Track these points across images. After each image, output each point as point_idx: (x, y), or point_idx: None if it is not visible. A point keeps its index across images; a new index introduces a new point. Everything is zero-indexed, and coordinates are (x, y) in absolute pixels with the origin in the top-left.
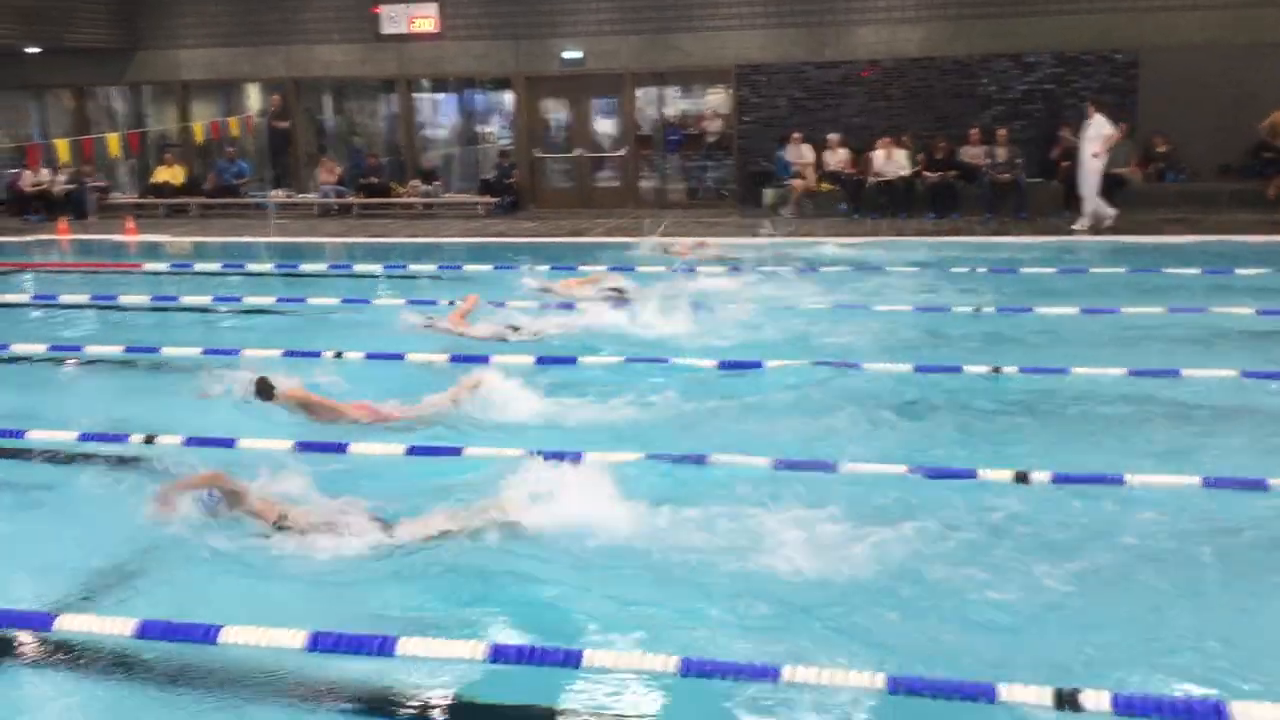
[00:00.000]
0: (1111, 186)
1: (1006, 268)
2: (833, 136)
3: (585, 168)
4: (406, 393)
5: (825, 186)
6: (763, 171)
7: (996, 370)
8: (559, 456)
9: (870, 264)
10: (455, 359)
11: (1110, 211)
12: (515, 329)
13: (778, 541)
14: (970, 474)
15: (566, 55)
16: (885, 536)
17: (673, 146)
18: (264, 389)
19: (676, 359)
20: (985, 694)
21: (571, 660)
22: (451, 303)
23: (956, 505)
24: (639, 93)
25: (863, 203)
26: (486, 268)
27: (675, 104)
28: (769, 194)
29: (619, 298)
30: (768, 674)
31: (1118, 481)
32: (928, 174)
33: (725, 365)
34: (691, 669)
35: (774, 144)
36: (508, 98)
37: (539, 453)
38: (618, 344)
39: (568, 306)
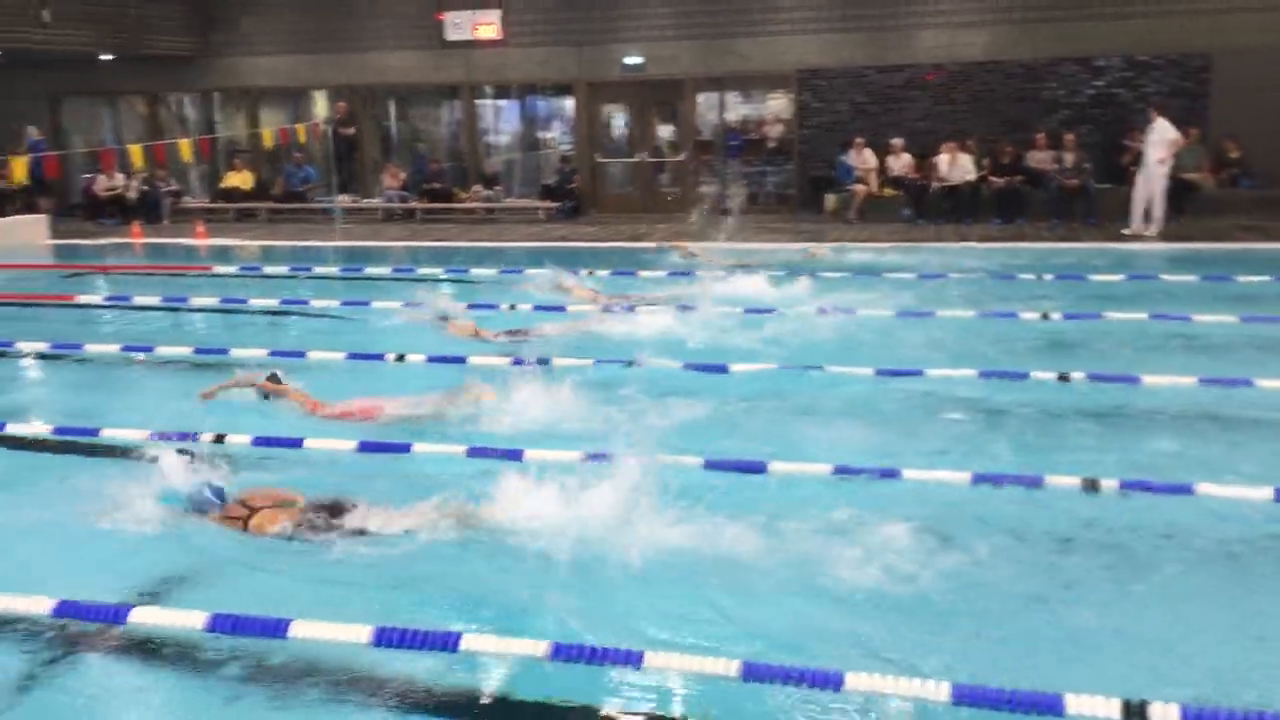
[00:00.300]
0: (1181, 193)
1: (1074, 274)
2: (896, 141)
3: (646, 173)
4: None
5: (888, 192)
6: (824, 177)
7: (1064, 377)
8: (623, 459)
9: (933, 269)
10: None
11: (1152, 222)
12: (514, 332)
13: (839, 548)
14: (1037, 481)
15: (627, 61)
16: (949, 544)
17: (733, 152)
18: (274, 380)
19: (735, 365)
20: (1052, 705)
21: (633, 661)
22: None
23: (1022, 513)
24: (699, 98)
25: (926, 208)
26: (546, 272)
27: (735, 109)
28: (830, 199)
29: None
30: (830, 680)
31: (1187, 491)
32: (993, 179)
33: (783, 369)
34: (753, 673)
35: (835, 149)
36: (568, 103)
37: (594, 455)
38: (674, 350)
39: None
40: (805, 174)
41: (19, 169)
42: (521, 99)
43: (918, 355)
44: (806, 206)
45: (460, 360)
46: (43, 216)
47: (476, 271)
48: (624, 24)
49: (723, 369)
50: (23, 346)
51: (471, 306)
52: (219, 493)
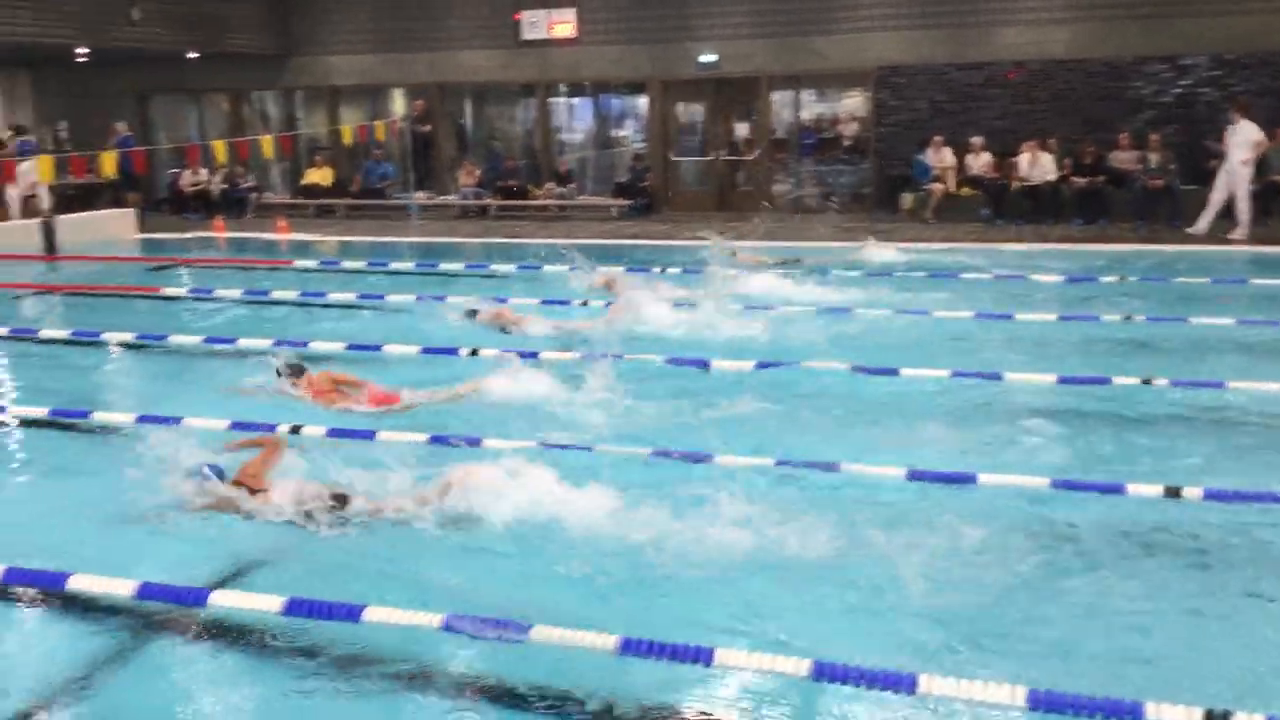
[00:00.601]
0: (1270, 195)
1: (1158, 276)
2: (975, 140)
3: (718, 171)
4: None
5: (966, 191)
6: (900, 175)
7: (1147, 382)
8: (694, 459)
9: (1013, 270)
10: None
11: (1239, 224)
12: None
13: (915, 551)
14: (1119, 489)
15: (702, 59)
16: (1028, 550)
17: (807, 150)
18: (295, 370)
19: (807, 363)
20: (1132, 713)
21: (703, 658)
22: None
23: (1102, 520)
24: (774, 95)
25: (1005, 208)
26: (617, 269)
27: (810, 107)
28: (907, 198)
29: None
30: (903, 683)
31: (1275, 500)
32: (1074, 179)
33: (858, 370)
34: (824, 673)
35: (913, 147)
36: (642, 101)
37: (674, 453)
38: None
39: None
40: (881, 173)
41: (109, 164)
42: (595, 97)
43: (996, 358)
44: (882, 205)
45: (533, 355)
46: (131, 211)
47: (548, 268)
48: (699, 22)
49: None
50: (110, 337)
51: (545, 302)
52: (217, 470)
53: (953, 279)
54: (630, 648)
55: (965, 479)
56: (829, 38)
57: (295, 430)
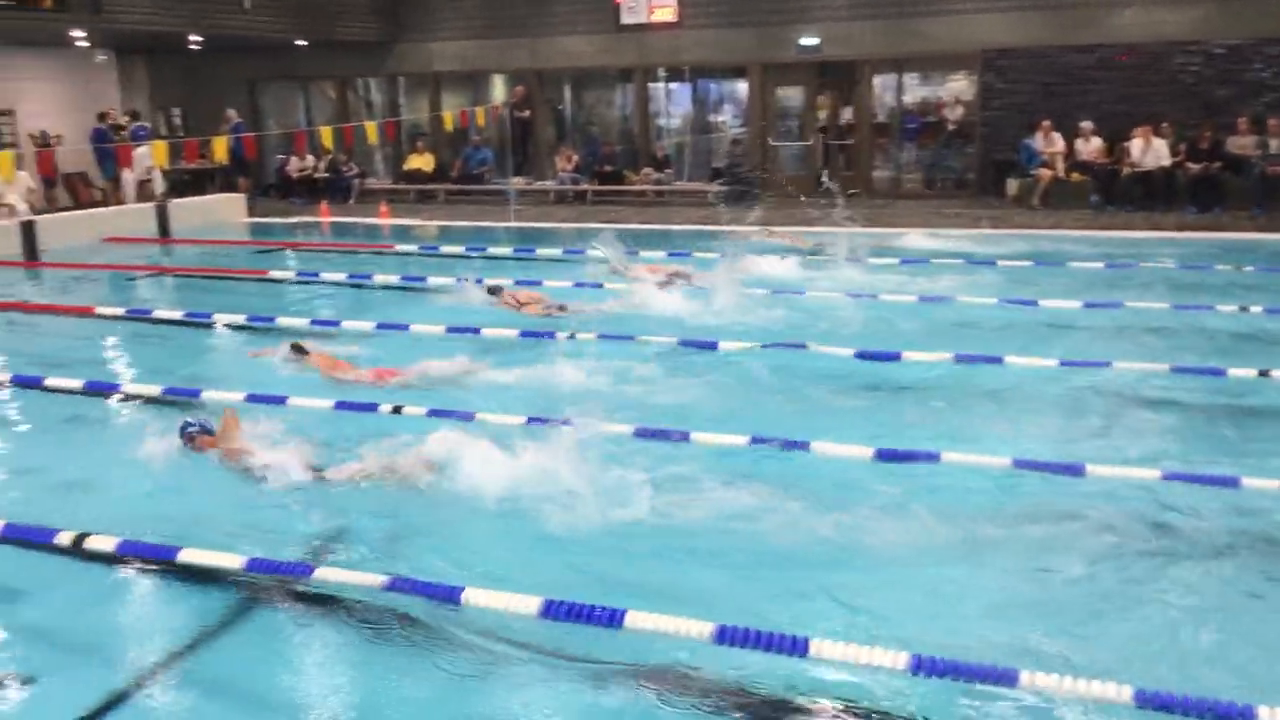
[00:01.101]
0: None
1: (1277, 266)
2: (1085, 124)
3: (818, 155)
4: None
5: (1075, 177)
6: (1007, 161)
7: (1265, 374)
8: (794, 445)
9: (1123, 259)
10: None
11: None
12: (562, 308)
13: (1017, 542)
14: (1233, 482)
15: (803, 42)
16: (1141, 545)
17: (910, 135)
18: (298, 350)
19: (908, 353)
20: (1245, 716)
21: (799, 648)
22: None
23: (1216, 514)
24: (876, 79)
25: (1116, 194)
26: (713, 256)
27: (913, 90)
28: (1013, 184)
29: (682, 284)
30: (1005, 677)
31: None
32: (1189, 165)
33: (961, 359)
34: (923, 667)
35: (1020, 132)
36: (740, 85)
37: (776, 442)
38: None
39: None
40: (987, 158)
41: (221, 149)
42: (694, 81)
43: (1106, 348)
44: (987, 191)
45: (629, 338)
46: (240, 195)
47: (645, 253)
48: (800, 4)
49: (895, 357)
50: (220, 318)
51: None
52: (204, 425)
53: (1060, 267)
54: (725, 636)
55: (1074, 469)
56: (934, 19)
57: (397, 410)
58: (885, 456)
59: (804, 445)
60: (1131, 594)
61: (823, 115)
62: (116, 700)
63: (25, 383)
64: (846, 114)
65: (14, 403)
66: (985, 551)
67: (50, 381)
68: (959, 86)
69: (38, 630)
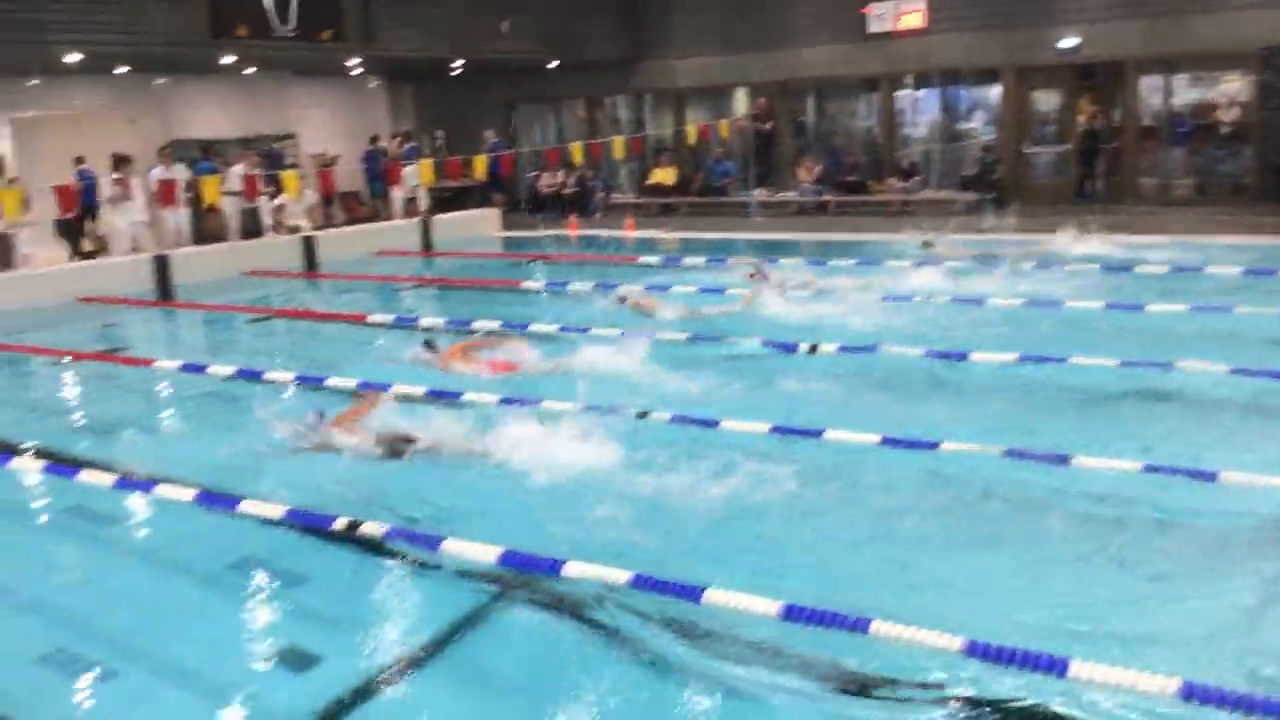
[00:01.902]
0: None
1: None
2: None
3: (1076, 162)
4: None
5: None
6: None
7: None
8: (914, 445)
9: None
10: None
11: None
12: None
13: (1142, 546)
14: None
15: (1061, 44)
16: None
17: (1178, 139)
18: (430, 345)
19: (1074, 357)
20: None
21: (860, 627)
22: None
23: None
24: (1140, 81)
25: None
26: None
27: (1183, 92)
28: None
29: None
30: (1056, 666)
31: None
32: None
33: (1126, 365)
34: (975, 651)
35: None
36: (991, 91)
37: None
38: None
39: None
40: (1266, 162)
41: (480, 167)
42: (941, 88)
43: None
44: (1268, 197)
45: (872, 349)
46: (495, 211)
47: (890, 263)
48: (1059, 4)
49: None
50: (478, 325)
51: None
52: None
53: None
54: (792, 614)
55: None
56: (1207, 16)
57: (643, 415)
58: (1012, 455)
59: (933, 446)
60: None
61: (1082, 120)
62: (376, 683)
63: (308, 380)
64: (1110, 118)
65: (298, 401)
66: (1106, 549)
67: (330, 381)
68: (1233, 87)
69: (309, 610)
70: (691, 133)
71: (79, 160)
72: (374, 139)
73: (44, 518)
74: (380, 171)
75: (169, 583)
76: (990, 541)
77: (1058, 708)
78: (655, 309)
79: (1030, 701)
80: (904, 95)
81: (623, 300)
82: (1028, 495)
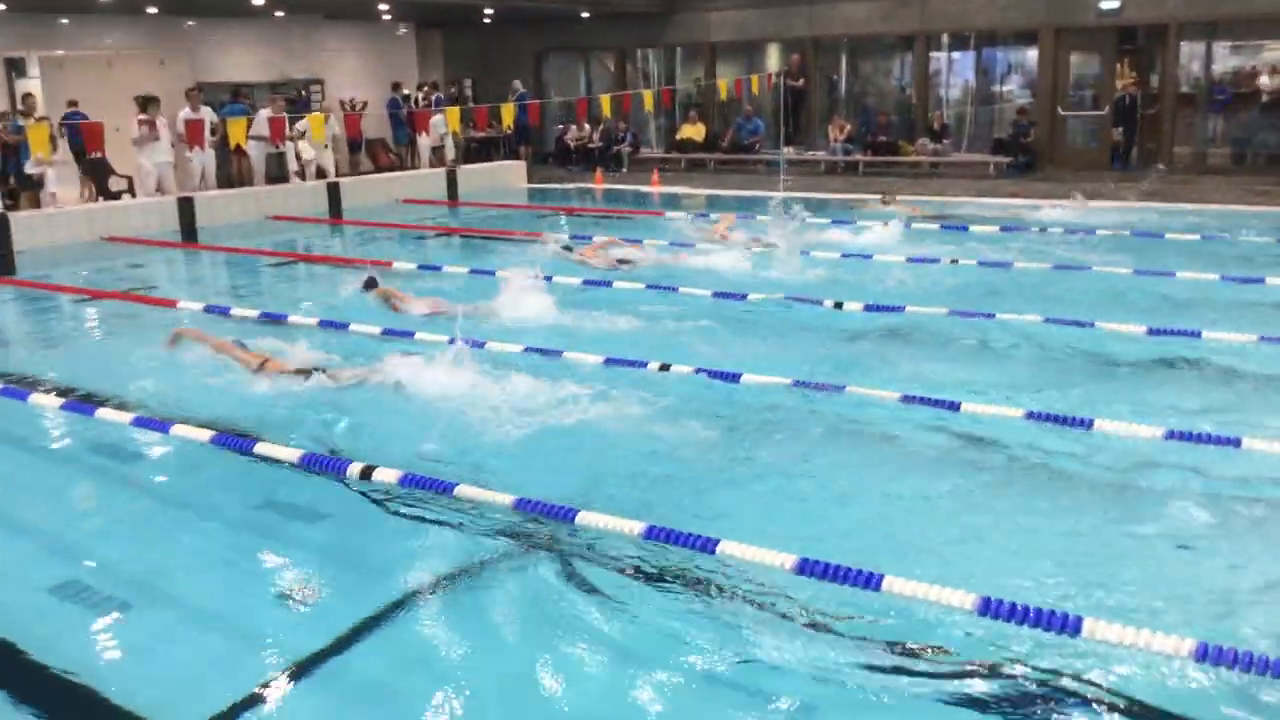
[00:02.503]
0: None
1: None
2: None
3: (1113, 127)
4: None
5: None
6: None
7: None
8: (944, 405)
9: None
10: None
11: None
12: (627, 262)
13: (1161, 510)
14: None
15: (1103, 5)
16: None
17: (1218, 106)
18: (370, 283)
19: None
20: None
21: (873, 583)
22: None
23: None
24: (1182, 45)
25: None
26: (992, 229)
27: (1224, 59)
28: None
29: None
30: (1069, 625)
31: None
32: None
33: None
34: (988, 609)
35: None
36: (1027, 53)
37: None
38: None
39: None
40: None
41: (508, 116)
42: (977, 49)
43: None
44: None
45: (895, 308)
46: (522, 163)
47: (917, 226)
48: None
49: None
50: (503, 273)
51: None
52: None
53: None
54: (805, 568)
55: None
56: None
57: (665, 368)
58: (1033, 417)
59: (955, 406)
60: None
61: (1120, 84)
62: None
63: (331, 325)
64: (1148, 84)
65: (320, 345)
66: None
67: (354, 327)
68: (1276, 54)
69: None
70: (723, 87)
71: (71, 103)
72: (395, 85)
73: (56, 451)
74: (404, 119)
75: (179, 519)
76: (1008, 504)
77: (1070, 675)
78: (590, 259)
79: (1044, 665)
80: (937, 56)
81: (569, 250)
82: (1048, 461)
